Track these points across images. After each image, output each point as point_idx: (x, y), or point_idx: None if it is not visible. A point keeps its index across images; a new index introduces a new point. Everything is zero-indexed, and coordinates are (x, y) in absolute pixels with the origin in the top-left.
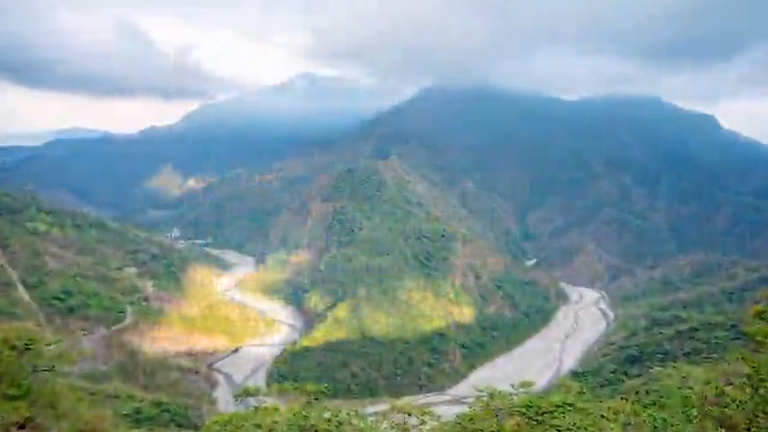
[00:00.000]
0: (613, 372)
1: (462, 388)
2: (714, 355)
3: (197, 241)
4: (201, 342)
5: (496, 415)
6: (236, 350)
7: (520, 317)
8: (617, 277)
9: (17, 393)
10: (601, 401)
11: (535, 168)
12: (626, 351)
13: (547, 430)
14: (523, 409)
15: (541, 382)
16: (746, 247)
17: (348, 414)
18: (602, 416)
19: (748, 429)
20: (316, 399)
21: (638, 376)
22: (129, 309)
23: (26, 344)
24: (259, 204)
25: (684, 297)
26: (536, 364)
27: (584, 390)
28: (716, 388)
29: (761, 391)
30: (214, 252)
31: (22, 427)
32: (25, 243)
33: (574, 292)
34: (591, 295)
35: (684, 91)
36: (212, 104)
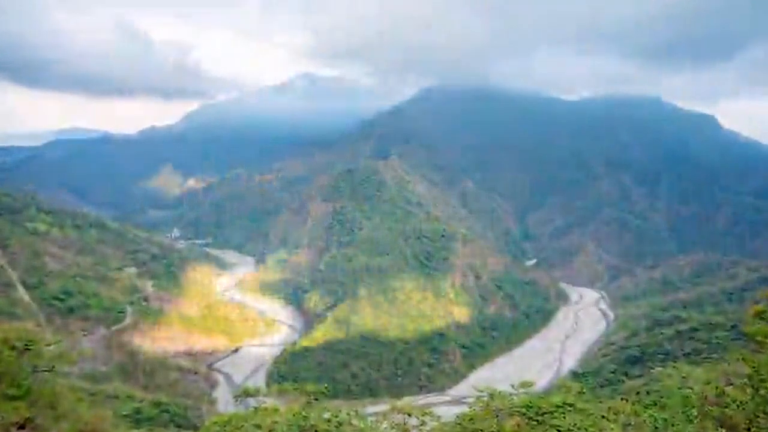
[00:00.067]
0: (613, 372)
1: (462, 389)
2: (714, 356)
3: (197, 241)
4: (201, 342)
5: (497, 416)
6: (236, 350)
7: (520, 317)
8: (617, 278)
9: (17, 393)
10: (601, 402)
11: (535, 168)
12: (626, 351)
13: (547, 430)
14: (523, 410)
15: (541, 382)
16: (746, 247)
17: (348, 414)
18: (602, 417)
19: (749, 429)
20: (316, 399)
21: (638, 376)
22: (129, 309)
23: (26, 344)
24: (259, 204)
25: (684, 297)
26: (536, 364)
27: (584, 390)
28: (716, 388)
29: (762, 391)
30: (214, 252)
31: (22, 427)
32: (25, 243)
33: (574, 292)
34: (591, 295)
35: (684, 91)
36: (212, 104)
